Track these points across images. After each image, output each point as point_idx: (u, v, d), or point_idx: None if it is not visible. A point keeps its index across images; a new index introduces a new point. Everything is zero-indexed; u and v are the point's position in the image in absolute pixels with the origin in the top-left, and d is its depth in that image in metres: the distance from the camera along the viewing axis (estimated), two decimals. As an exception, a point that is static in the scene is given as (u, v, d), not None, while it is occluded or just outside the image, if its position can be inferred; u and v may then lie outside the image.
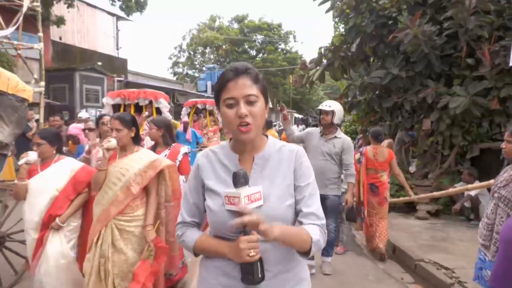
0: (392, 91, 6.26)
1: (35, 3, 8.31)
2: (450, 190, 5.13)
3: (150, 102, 5.83)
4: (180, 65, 37.07)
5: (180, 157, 3.29)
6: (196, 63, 36.49)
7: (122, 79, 16.50)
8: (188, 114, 9.42)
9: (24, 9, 7.93)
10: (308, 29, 62.20)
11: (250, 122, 1.21)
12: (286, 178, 1.30)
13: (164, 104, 5.77)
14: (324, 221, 1.31)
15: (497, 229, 2.22)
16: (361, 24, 6.44)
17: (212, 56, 36.30)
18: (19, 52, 8.43)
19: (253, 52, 37.22)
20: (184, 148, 3.41)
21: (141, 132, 5.73)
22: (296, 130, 4.56)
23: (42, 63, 8.91)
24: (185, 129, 7.79)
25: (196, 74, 34.08)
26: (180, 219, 1.39)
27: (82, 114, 7.91)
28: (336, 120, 3.72)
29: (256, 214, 1.13)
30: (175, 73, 36.90)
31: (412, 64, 5.97)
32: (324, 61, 7.08)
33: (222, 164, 1.33)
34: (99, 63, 14.67)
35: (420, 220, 5.80)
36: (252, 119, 1.22)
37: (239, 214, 1.16)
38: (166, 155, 3.13)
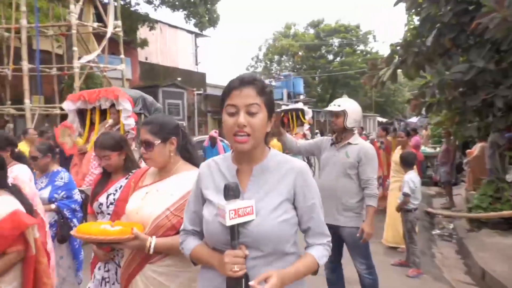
0: (478, 87, 5.36)
1: (117, 29, 9.24)
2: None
3: (113, 104, 4.75)
4: (257, 74, 37.95)
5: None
6: (273, 71, 36.94)
7: (201, 92, 17.46)
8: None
9: (108, 35, 8.85)
10: (390, 27, 58.63)
11: (247, 132, 1.20)
12: (283, 193, 1.27)
13: (126, 107, 4.59)
14: (329, 238, 1.35)
15: None
16: (437, 14, 5.67)
17: (288, 64, 36.41)
18: (104, 74, 9.44)
19: (330, 56, 36.38)
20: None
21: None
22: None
23: (124, 82, 9.85)
24: (212, 144, 7.10)
25: (273, 83, 34.51)
26: (182, 226, 1.42)
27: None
28: (350, 122, 2.84)
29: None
30: (252, 83, 37.91)
31: (503, 53, 5.04)
32: (396, 58, 6.40)
33: (221, 174, 1.33)
34: (179, 79, 15.72)
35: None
36: (251, 130, 1.21)
37: (229, 227, 1.17)
38: (121, 187, 2.12)
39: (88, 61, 8.39)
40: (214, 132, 7.11)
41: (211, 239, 1.29)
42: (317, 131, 16.91)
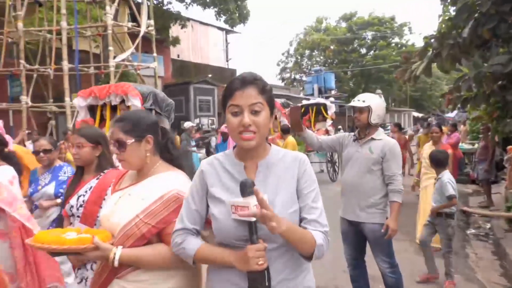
0: (519, 80, 5.08)
1: (150, 28, 9.52)
2: None
3: (123, 100, 4.61)
4: (288, 70, 37.70)
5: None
6: (304, 66, 36.58)
7: (231, 88, 17.65)
8: None
9: (141, 34, 9.16)
10: (427, 18, 56.18)
11: (253, 130, 1.24)
12: (290, 185, 1.31)
13: (134, 103, 4.47)
14: (327, 228, 1.31)
15: None
16: (474, 3, 5.40)
17: (319, 59, 35.92)
18: (138, 72, 9.77)
19: (363, 50, 35.51)
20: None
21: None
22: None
23: (156, 79, 10.15)
24: (224, 139, 6.79)
25: (304, 78, 34.14)
26: (181, 225, 1.34)
27: (186, 123, 8.69)
28: (374, 118, 2.78)
29: (270, 208, 1.13)
30: (283, 79, 37.72)
31: (548, 44, 4.73)
32: (430, 51, 6.17)
33: (227, 171, 1.34)
34: (210, 76, 15.97)
35: None
36: (256, 128, 1.25)
37: (247, 223, 1.18)
38: (91, 187, 1.98)
39: (123, 60, 8.71)
40: (225, 128, 6.77)
41: (225, 236, 1.27)
42: (339, 127, 16.56)
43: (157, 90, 5.08)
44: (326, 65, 34.83)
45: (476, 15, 5.50)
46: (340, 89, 31.47)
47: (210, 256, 1.29)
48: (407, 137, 9.39)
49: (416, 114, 38.90)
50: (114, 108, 4.81)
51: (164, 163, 1.56)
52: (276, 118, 7.57)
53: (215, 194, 1.31)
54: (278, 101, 7.74)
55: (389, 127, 15.51)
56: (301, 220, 1.31)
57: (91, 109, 5.06)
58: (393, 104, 37.27)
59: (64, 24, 8.16)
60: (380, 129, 2.89)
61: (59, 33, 8.45)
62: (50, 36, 8.96)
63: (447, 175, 3.73)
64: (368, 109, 2.79)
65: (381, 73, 31.90)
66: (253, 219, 1.16)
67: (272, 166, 1.33)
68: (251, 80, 1.27)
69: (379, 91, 33.76)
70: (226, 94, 1.30)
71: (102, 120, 4.98)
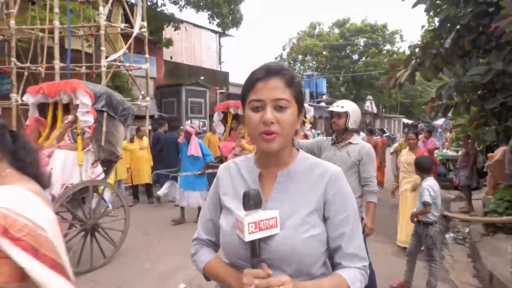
0: (497, 90, 5.29)
1: (142, 29, 9.60)
2: None
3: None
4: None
5: None
6: (296, 71, 36.86)
7: (223, 91, 17.75)
8: (223, 121, 7.72)
9: (134, 35, 9.23)
10: (418, 26, 57.06)
11: (275, 131, 1.03)
12: (312, 204, 1.08)
13: (84, 101, 4.06)
14: (367, 262, 1.10)
15: None
16: (456, 16, 5.62)
17: (311, 64, 36.24)
18: (129, 72, 9.83)
19: (355, 56, 35.95)
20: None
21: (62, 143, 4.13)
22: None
23: (148, 81, 10.21)
24: (188, 140, 6.16)
25: (296, 82, 34.40)
26: (196, 234, 1.26)
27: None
28: (352, 123, 2.93)
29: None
30: (275, 83, 37.94)
31: (523, 56, 4.95)
32: (414, 60, 6.38)
33: (242, 177, 1.17)
34: (202, 78, 16.04)
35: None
36: (279, 128, 1.04)
37: (249, 242, 0.99)
38: None
39: (114, 60, 8.76)
40: (189, 127, 6.25)
41: (228, 253, 1.12)
42: (318, 132, 16.76)
43: (114, 93, 4.72)
44: (318, 70, 35.17)
45: (457, 27, 5.73)
46: (332, 94, 31.80)
47: (215, 273, 1.16)
48: (376, 141, 10.05)
49: (406, 120, 39.43)
50: (67, 108, 4.49)
51: (14, 172, 1.26)
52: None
53: (226, 203, 1.16)
54: None
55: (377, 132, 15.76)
56: (334, 250, 1.10)
57: (43, 107, 4.68)
58: (383, 110, 37.73)
59: (56, 23, 8.19)
60: (355, 134, 3.03)
61: (51, 31, 8.48)
62: (42, 35, 8.97)
63: (428, 182, 3.63)
64: (346, 115, 2.92)
65: (372, 80, 32.33)
66: (252, 238, 0.99)
67: (294, 177, 1.12)
68: (277, 70, 1.07)
69: (370, 97, 34.25)
70: (246, 86, 1.09)
71: (55, 120, 4.61)
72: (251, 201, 0.99)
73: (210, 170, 6.37)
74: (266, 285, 0.93)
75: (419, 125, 25.98)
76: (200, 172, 6.23)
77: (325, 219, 1.09)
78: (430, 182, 3.62)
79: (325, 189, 1.09)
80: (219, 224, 1.16)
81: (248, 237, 0.97)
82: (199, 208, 6.16)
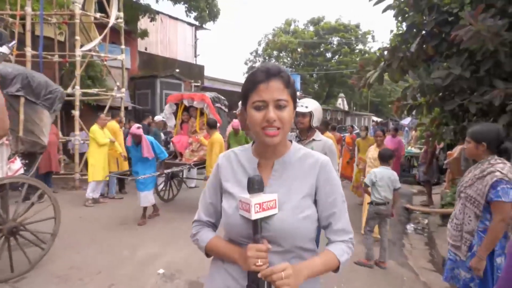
0: (455, 93, 5.76)
1: (119, 20, 9.50)
2: None
3: None
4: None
5: None
6: (271, 67, 37.13)
7: (198, 84, 17.72)
8: (175, 113, 7.29)
9: (110, 25, 9.13)
10: (389, 28, 58.84)
11: (278, 127, 1.17)
12: (305, 188, 1.24)
13: None
14: (352, 234, 1.29)
15: (466, 228, 2.37)
16: (421, 22, 6.04)
17: (286, 60, 36.64)
18: (105, 63, 9.71)
19: (328, 55, 36.67)
20: None
21: None
22: None
23: (123, 72, 10.13)
24: (137, 142, 5.56)
25: (271, 78, 34.66)
26: (197, 217, 1.39)
27: (156, 117, 8.85)
28: (315, 122, 3.16)
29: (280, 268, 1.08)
30: (250, 78, 38.04)
31: (479, 63, 5.42)
32: (383, 62, 6.77)
33: (242, 166, 1.30)
34: (177, 70, 15.96)
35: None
36: (281, 124, 1.18)
37: (251, 220, 1.14)
38: None
39: (89, 50, 8.64)
40: (136, 129, 5.56)
41: (231, 232, 1.26)
42: (291, 133, 17.22)
43: (34, 73, 4.06)
44: (293, 67, 35.64)
45: (423, 32, 6.14)
46: (305, 91, 32.39)
47: (218, 249, 1.29)
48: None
49: (375, 118, 40.77)
50: None
51: None
52: (204, 114, 6.88)
53: (228, 188, 1.29)
54: (208, 95, 6.86)
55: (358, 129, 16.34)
56: (324, 227, 1.30)
57: None
58: (354, 108, 38.82)
59: (29, 9, 7.97)
60: (318, 131, 3.26)
61: (22, 18, 8.24)
62: (13, 21, 8.69)
63: (378, 168, 4.38)
64: (310, 114, 3.15)
65: (344, 78, 33.16)
66: (257, 216, 1.13)
67: (289, 166, 1.27)
68: (276, 72, 1.19)
69: (342, 95, 35.16)
70: (248, 87, 1.20)
71: None
72: (256, 186, 1.15)
73: (169, 170, 6.09)
74: (271, 272, 1.07)
75: (390, 124, 26.95)
76: (159, 173, 5.90)
77: (315, 202, 1.25)
78: (379, 169, 4.29)
79: (317, 176, 1.25)
80: (221, 207, 1.30)
81: (254, 216, 1.12)
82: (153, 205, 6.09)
